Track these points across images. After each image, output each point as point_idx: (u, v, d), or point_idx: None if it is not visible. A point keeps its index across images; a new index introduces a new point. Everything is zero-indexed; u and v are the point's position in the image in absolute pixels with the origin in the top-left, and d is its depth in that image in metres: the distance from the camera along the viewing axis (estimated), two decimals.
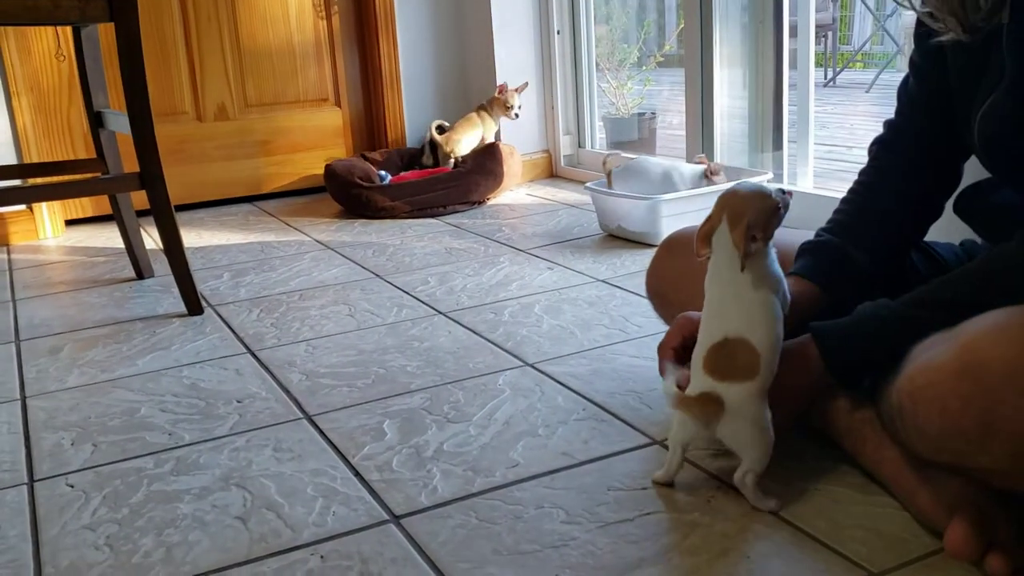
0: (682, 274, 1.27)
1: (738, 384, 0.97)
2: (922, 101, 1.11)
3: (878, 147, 1.18)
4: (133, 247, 2.13)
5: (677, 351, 1.09)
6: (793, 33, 2.36)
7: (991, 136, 0.94)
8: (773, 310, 1.00)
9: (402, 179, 2.78)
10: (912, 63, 1.12)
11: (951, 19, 0.96)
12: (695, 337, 1.08)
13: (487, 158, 2.77)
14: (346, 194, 2.70)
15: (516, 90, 2.91)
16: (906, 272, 1.12)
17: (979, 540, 0.82)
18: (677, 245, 1.33)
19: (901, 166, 1.13)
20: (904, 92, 1.15)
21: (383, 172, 2.82)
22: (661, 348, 1.11)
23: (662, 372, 1.08)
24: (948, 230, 1.18)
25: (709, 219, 1.02)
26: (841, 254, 1.10)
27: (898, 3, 0.99)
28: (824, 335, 0.99)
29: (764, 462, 0.99)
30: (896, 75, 6.37)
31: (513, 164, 2.84)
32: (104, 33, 2.11)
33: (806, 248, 1.13)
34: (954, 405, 0.77)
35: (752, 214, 0.98)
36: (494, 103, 2.92)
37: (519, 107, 2.92)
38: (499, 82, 2.95)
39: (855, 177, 1.20)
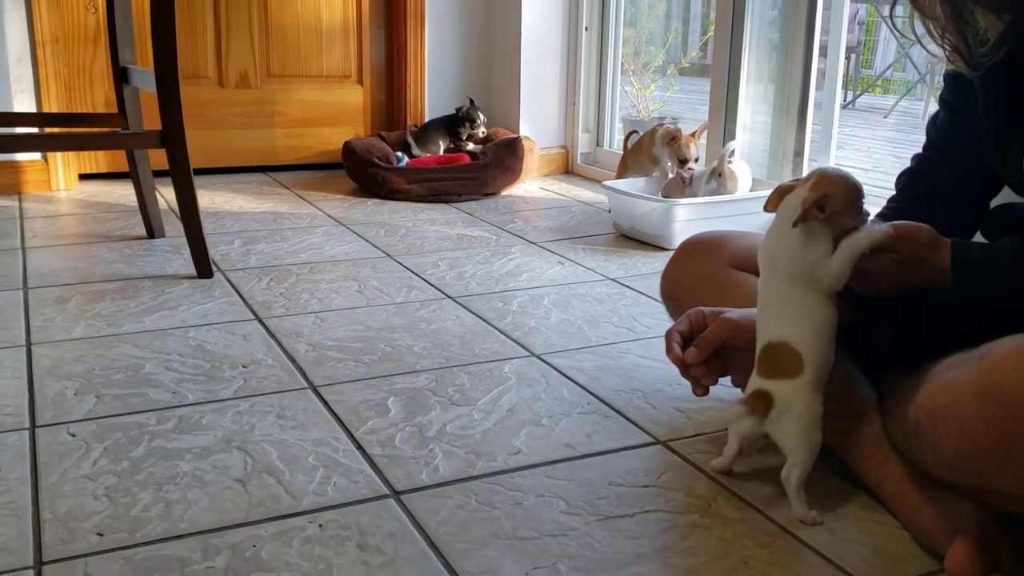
0: (697, 278, 1.27)
1: (786, 381, 0.98)
2: (958, 138, 1.12)
3: (909, 178, 1.17)
4: (147, 205, 2.13)
5: (684, 335, 1.11)
6: (823, 53, 2.36)
7: None
8: (821, 310, 0.99)
9: (419, 163, 2.78)
10: (944, 101, 1.13)
11: (954, 54, 0.96)
12: (702, 327, 1.09)
13: (507, 153, 2.74)
14: (362, 173, 2.70)
15: (692, 135, 2.31)
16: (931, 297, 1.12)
17: (982, 562, 0.82)
18: (694, 249, 1.33)
19: (935, 199, 1.13)
20: (934, 129, 1.16)
21: (400, 154, 2.81)
22: (668, 332, 1.13)
23: (669, 351, 1.11)
24: None
25: (796, 180, 1.01)
26: None
27: (904, 36, 1.00)
28: (961, 245, 0.96)
29: (808, 459, 0.98)
30: (916, 103, 6.37)
31: (531, 160, 2.83)
32: None
33: None
34: (975, 426, 0.77)
35: (838, 189, 0.96)
36: (666, 145, 2.34)
37: (696, 159, 2.31)
38: (522, 81, 2.93)
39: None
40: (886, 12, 1.03)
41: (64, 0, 2.66)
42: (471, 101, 2.95)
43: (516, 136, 2.84)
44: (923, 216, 1.04)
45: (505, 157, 2.73)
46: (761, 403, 0.99)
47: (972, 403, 0.77)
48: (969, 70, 0.96)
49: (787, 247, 0.99)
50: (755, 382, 1.01)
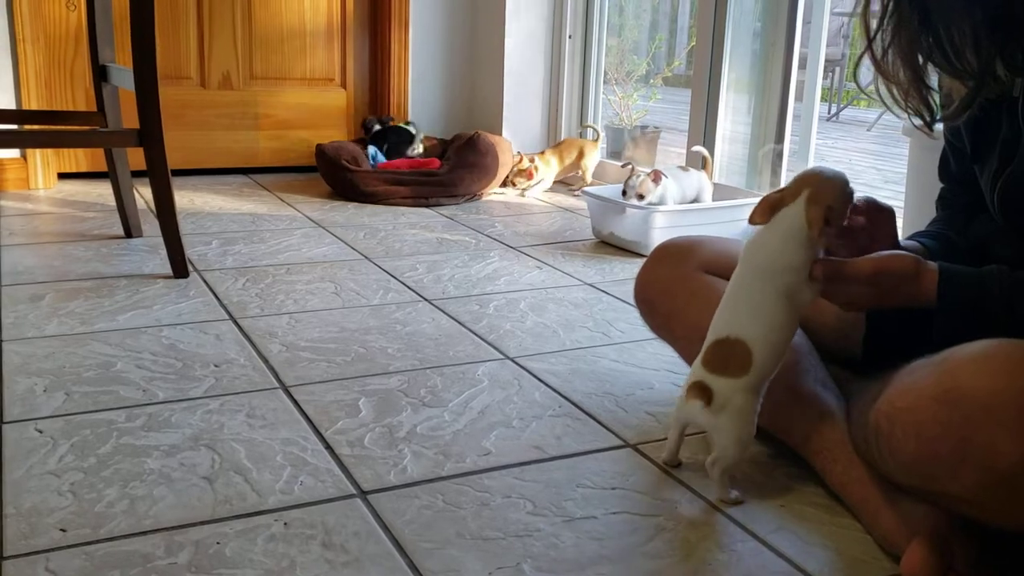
0: (671, 282, 1.27)
1: (729, 379, 1.00)
2: (960, 175, 1.13)
3: (939, 202, 1.20)
4: (124, 205, 2.12)
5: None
6: (802, 65, 2.38)
7: (1008, 202, 0.97)
8: (785, 315, 1.00)
9: (390, 166, 2.78)
10: (945, 138, 1.14)
11: (916, 119, 0.96)
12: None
13: (468, 151, 2.70)
14: (334, 175, 2.71)
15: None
16: None
17: (936, 565, 0.83)
18: (667, 254, 1.33)
19: (950, 230, 1.14)
20: (944, 168, 1.18)
21: (372, 149, 2.81)
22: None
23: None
24: None
25: (783, 191, 1.00)
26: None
27: (867, 95, 1.01)
28: (948, 275, 0.94)
29: (734, 453, 1.01)
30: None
31: (505, 156, 2.77)
32: None
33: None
34: (931, 430, 0.78)
35: (836, 200, 0.97)
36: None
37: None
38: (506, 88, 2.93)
39: None
40: (854, 73, 1.04)
41: None
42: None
43: (474, 132, 2.79)
44: (960, 229, 1.06)
45: (467, 155, 2.70)
46: (702, 395, 1.01)
47: (930, 407, 0.78)
48: (931, 133, 0.97)
49: (785, 262, 0.98)
50: (698, 373, 1.03)
